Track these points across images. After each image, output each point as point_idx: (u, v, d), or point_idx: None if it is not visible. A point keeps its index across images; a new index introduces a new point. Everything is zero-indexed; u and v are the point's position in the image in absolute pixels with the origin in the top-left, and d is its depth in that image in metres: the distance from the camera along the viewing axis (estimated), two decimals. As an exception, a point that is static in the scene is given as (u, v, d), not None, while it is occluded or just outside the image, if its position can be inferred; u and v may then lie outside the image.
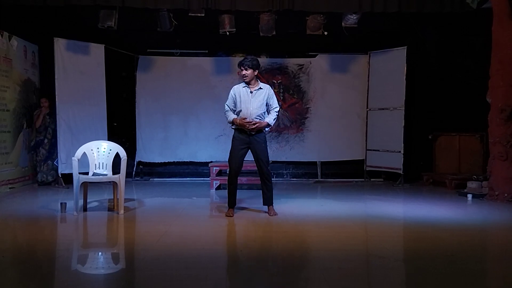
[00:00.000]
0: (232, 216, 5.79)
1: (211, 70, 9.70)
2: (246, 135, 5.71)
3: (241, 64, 5.72)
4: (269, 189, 5.87)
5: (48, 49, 8.31)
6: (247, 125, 5.62)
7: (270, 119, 5.73)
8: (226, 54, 9.79)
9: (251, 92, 5.72)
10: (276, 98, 5.86)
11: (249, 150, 5.78)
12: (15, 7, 7.65)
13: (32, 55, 8.70)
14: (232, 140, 5.83)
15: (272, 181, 6.01)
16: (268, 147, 5.93)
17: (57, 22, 8.57)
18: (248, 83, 5.75)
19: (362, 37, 9.16)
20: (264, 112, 5.76)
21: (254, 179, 8.21)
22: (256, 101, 5.69)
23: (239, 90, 5.78)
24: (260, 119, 5.69)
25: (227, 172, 5.94)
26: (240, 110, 5.73)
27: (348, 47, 9.50)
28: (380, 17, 8.23)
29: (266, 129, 5.80)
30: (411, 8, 7.74)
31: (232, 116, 5.76)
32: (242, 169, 8.63)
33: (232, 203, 5.89)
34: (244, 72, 5.69)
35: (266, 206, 5.95)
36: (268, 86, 5.88)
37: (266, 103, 5.75)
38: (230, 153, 5.81)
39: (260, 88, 5.76)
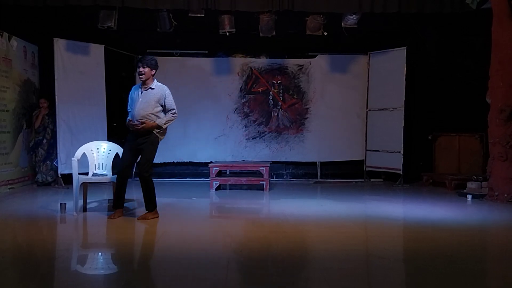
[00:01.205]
0: (113, 219, 5.56)
1: (211, 71, 9.71)
2: (134, 136, 5.53)
3: (139, 61, 5.59)
4: (148, 191, 5.58)
5: (48, 49, 8.31)
6: (132, 127, 5.48)
7: (162, 121, 5.50)
8: (226, 54, 9.79)
9: (141, 92, 5.57)
10: (172, 100, 5.60)
11: (138, 151, 5.59)
12: (15, 7, 7.65)
13: (31, 56, 8.70)
14: (126, 141, 5.72)
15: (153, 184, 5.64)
16: (156, 150, 5.63)
17: (57, 22, 8.56)
18: (143, 83, 5.59)
19: (362, 38, 9.16)
20: (157, 113, 5.52)
21: (254, 179, 8.23)
22: (144, 101, 5.51)
23: (133, 89, 5.71)
24: (149, 120, 5.46)
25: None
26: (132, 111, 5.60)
27: (348, 48, 9.50)
28: (380, 18, 8.23)
29: (157, 130, 5.51)
30: (411, 9, 7.74)
31: (129, 117, 5.63)
32: (242, 169, 8.76)
33: (117, 204, 5.69)
34: (141, 69, 5.51)
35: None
36: (165, 87, 5.63)
37: (161, 104, 5.54)
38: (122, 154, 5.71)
39: (151, 88, 5.55)
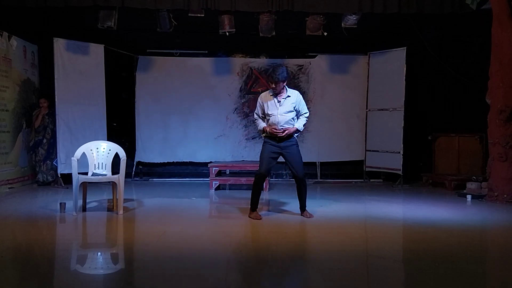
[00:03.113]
0: (260, 219, 5.72)
1: (211, 71, 9.71)
2: (276, 141, 5.72)
3: (271, 79, 5.65)
4: (304, 192, 5.87)
5: (48, 49, 8.31)
6: (276, 133, 5.65)
7: (300, 124, 5.74)
8: (226, 54, 9.79)
9: (278, 101, 5.70)
10: (305, 104, 5.85)
11: (281, 155, 5.78)
12: (14, 7, 7.65)
13: (31, 55, 8.70)
14: (263, 144, 5.83)
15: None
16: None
17: (57, 22, 8.57)
18: (278, 93, 5.73)
19: (361, 38, 9.16)
20: (293, 118, 5.74)
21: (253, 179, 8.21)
22: (284, 108, 5.68)
23: (266, 98, 5.79)
24: (290, 126, 5.69)
25: (256, 173, 5.88)
26: (269, 118, 5.73)
27: (347, 48, 9.50)
28: (380, 18, 8.23)
29: (296, 134, 5.79)
30: (411, 9, 7.74)
31: (262, 124, 5.80)
32: (242, 169, 8.77)
33: (255, 205, 5.84)
34: (273, 86, 5.66)
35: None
36: (297, 92, 5.84)
37: (296, 109, 5.74)
38: (260, 156, 5.83)
39: (288, 96, 5.73)
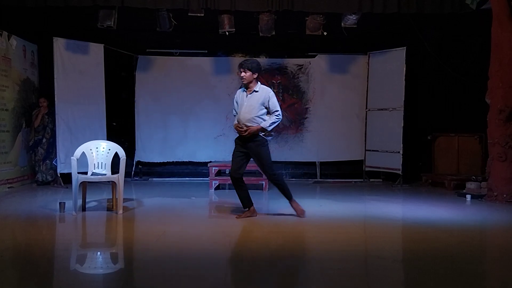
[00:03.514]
0: (255, 216, 5.71)
1: (211, 70, 9.70)
2: (242, 140, 5.61)
3: (240, 66, 5.66)
4: (281, 188, 5.74)
5: (47, 48, 8.30)
6: (239, 132, 5.55)
7: (267, 123, 5.52)
8: (226, 54, 9.78)
9: (246, 95, 5.61)
10: (276, 101, 5.63)
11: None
12: (14, 7, 7.64)
13: (31, 55, 8.69)
14: (235, 144, 5.78)
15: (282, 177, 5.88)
16: (268, 149, 5.69)
17: (56, 21, 8.56)
18: (246, 86, 5.64)
19: (361, 38, 9.16)
20: (262, 116, 5.56)
21: (253, 179, 8.21)
22: (248, 104, 5.56)
23: (239, 93, 5.74)
24: (254, 124, 5.52)
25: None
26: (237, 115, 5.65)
27: (347, 48, 9.50)
28: (379, 18, 8.23)
29: (262, 133, 5.55)
30: (410, 9, 7.74)
31: (235, 121, 5.71)
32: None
33: (245, 204, 5.77)
34: (242, 74, 5.58)
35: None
36: (269, 89, 5.69)
37: (266, 107, 5.58)
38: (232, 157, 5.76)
39: (255, 91, 5.59)
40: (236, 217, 5.72)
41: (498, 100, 7.02)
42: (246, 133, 5.49)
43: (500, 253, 4.58)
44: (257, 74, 5.62)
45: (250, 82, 5.60)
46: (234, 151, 5.72)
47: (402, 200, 7.60)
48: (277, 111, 5.60)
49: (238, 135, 5.69)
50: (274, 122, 5.59)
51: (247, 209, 5.75)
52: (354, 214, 6.31)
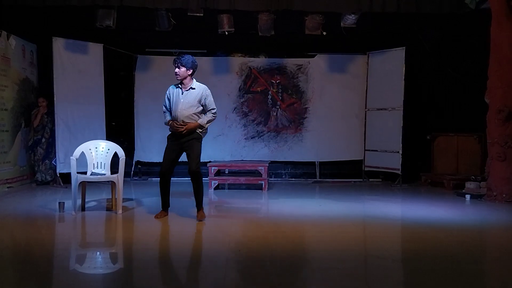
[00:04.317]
0: (160, 218, 5.59)
1: (210, 70, 9.68)
2: (177, 136, 5.54)
3: (174, 62, 5.55)
4: (196, 188, 5.59)
5: (47, 48, 8.28)
6: (176, 129, 5.48)
7: (204, 120, 5.52)
8: (225, 54, 9.77)
9: (182, 92, 5.55)
10: (212, 99, 5.61)
11: (184, 151, 5.60)
12: (13, 6, 7.63)
13: (30, 54, 8.68)
14: (167, 140, 5.70)
15: (203, 182, 5.73)
16: (201, 146, 5.63)
17: (56, 21, 8.54)
18: (181, 83, 5.57)
19: (360, 37, 9.16)
20: (199, 113, 5.53)
21: (252, 178, 8.24)
22: (186, 102, 5.50)
23: (172, 90, 5.64)
24: (192, 121, 5.49)
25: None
26: (172, 111, 5.57)
27: (346, 47, 9.49)
28: (379, 17, 8.24)
29: (199, 130, 5.53)
30: (410, 9, 7.75)
31: (168, 117, 5.63)
32: (240, 169, 8.76)
33: (163, 204, 5.71)
34: (176, 70, 5.49)
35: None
36: (205, 86, 5.61)
37: (202, 104, 5.56)
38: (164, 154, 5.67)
39: (192, 88, 5.53)
40: (155, 217, 5.64)
41: (497, 100, 7.02)
42: (184, 130, 5.45)
43: (500, 253, 4.58)
44: (192, 70, 5.54)
45: (185, 78, 5.53)
46: (166, 148, 5.65)
47: (402, 200, 7.61)
48: (213, 109, 5.61)
49: (170, 132, 5.62)
50: (211, 120, 5.62)
51: (162, 209, 5.69)
52: (353, 214, 6.31)
